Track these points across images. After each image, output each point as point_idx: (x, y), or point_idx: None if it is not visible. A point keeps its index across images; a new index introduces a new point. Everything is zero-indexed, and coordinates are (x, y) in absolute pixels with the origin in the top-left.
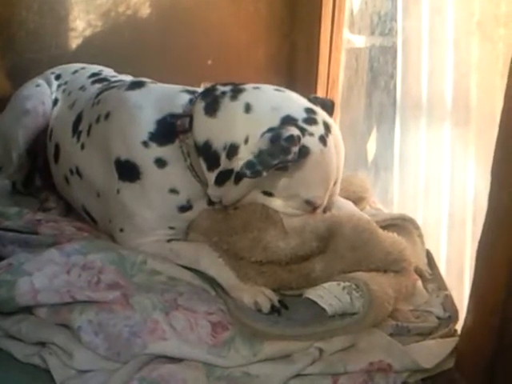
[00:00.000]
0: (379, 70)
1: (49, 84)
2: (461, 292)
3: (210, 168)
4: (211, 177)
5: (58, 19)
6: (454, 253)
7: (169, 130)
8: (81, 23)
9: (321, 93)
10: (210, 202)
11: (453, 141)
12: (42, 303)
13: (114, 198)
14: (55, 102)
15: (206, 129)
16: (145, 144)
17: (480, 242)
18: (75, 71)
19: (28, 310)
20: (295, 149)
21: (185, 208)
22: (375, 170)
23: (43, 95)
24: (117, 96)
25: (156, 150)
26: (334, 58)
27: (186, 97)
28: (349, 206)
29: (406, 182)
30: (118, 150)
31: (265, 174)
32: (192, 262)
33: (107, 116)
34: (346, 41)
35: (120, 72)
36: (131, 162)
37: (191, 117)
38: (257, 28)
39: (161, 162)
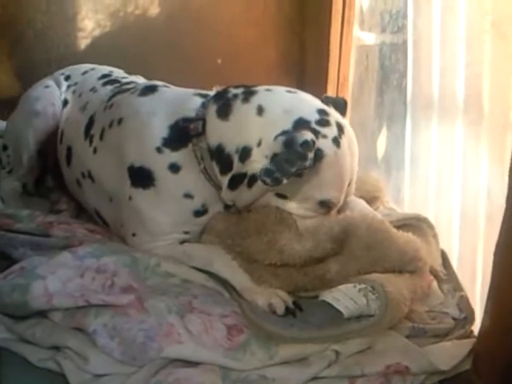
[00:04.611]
0: (390, 68)
1: (58, 85)
2: (473, 292)
3: (223, 172)
4: (224, 181)
5: (67, 19)
6: (466, 252)
7: (182, 134)
8: (89, 23)
9: (331, 91)
10: (227, 206)
11: (465, 139)
12: (56, 307)
13: (126, 204)
14: (65, 103)
15: (218, 132)
16: (158, 150)
17: (498, 243)
18: (85, 72)
19: (42, 313)
20: (311, 154)
21: (200, 212)
22: (385, 168)
23: (53, 96)
24: (130, 101)
25: (170, 156)
26: (344, 56)
27: (199, 100)
28: (362, 205)
29: (417, 180)
30: (131, 157)
31: (285, 181)
32: (205, 264)
33: (120, 122)
34: (356, 38)
35: (129, 72)
36: (145, 169)
37: (204, 120)
38: (266, 26)
39: (175, 167)
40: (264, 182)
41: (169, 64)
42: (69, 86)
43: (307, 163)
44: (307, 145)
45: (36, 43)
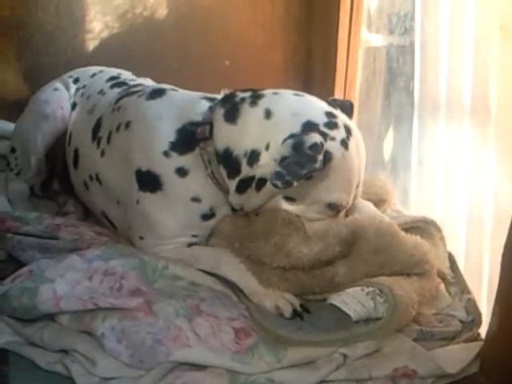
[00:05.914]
0: (397, 70)
1: (67, 88)
2: (479, 294)
3: (231, 175)
4: (232, 184)
5: (75, 21)
6: (472, 255)
7: (189, 138)
8: (97, 25)
9: (338, 93)
10: (234, 209)
11: (472, 141)
12: (65, 310)
13: (133, 208)
14: (74, 106)
15: (226, 136)
16: (166, 154)
17: (506, 246)
18: (93, 74)
19: (50, 317)
20: (320, 157)
21: (208, 216)
22: (392, 170)
23: (62, 99)
24: (137, 105)
25: (177, 160)
26: (352, 58)
27: (206, 104)
28: (369, 208)
29: (424, 182)
30: (138, 161)
31: (295, 184)
32: (212, 267)
33: (127, 125)
34: (363, 40)
35: (138, 73)
36: (152, 173)
37: (211, 124)
38: (274, 28)
39: (182, 171)
40: (275, 186)
41: (177, 65)
42: (77, 89)
43: (317, 165)
44: (316, 147)
45: (44, 45)
